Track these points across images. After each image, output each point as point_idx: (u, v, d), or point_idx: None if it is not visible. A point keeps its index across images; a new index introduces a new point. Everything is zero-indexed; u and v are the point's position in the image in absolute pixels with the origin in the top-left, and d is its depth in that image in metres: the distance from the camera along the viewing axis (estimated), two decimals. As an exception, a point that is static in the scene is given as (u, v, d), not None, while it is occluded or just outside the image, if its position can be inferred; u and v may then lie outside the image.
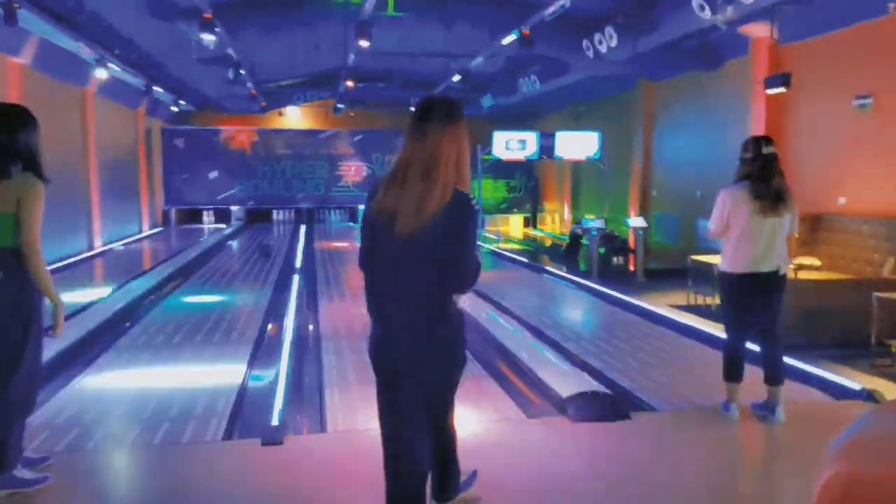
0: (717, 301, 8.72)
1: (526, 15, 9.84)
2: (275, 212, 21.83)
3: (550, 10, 8.05)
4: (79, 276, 10.78)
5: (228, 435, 4.35)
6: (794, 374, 5.15)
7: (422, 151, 2.59)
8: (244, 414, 4.71)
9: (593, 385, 4.67)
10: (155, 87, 14.95)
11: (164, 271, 10.84)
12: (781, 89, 9.11)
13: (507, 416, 4.54)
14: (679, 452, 4.04)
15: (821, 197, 9.64)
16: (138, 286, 9.40)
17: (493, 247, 15.16)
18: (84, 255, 12.98)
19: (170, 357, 6.15)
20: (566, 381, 4.77)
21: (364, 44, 9.24)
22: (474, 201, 2.60)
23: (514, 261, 12.92)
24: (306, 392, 5.16)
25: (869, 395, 4.61)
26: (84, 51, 11.22)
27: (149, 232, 18.27)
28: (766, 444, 4.12)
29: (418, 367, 2.65)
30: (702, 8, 7.77)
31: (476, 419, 4.45)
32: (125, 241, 15.71)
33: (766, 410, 4.31)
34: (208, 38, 9.18)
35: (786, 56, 10.03)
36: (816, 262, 9.21)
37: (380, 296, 2.66)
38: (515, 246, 16.21)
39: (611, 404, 4.36)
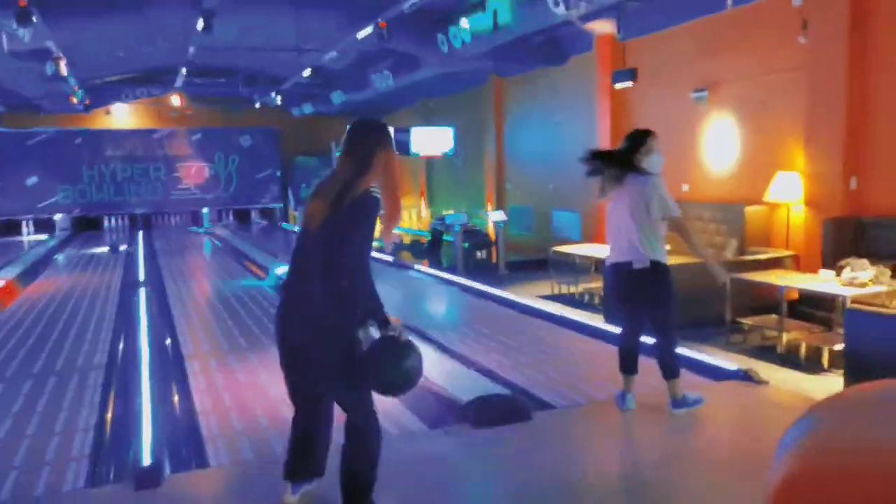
0: (580, 289, 9.06)
1: (377, 8, 9.61)
2: (106, 219, 20.07)
3: (411, 1, 7.87)
4: None
5: (92, 481, 3.78)
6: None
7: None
8: (108, 454, 4.13)
9: (490, 387, 4.55)
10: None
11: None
12: (628, 83, 9.54)
13: (407, 429, 4.31)
14: (584, 449, 4.02)
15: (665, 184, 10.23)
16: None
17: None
18: None
19: (5, 392, 5.32)
20: (462, 385, 4.62)
21: (208, 33, 8.59)
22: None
23: (377, 259, 12.66)
24: (177, 422, 4.63)
25: (745, 375, 4.85)
26: None
27: (-44, 248, 16.10)
28: (664, 432, 4.18)
29: (310, 346, 2.89)
30: (556, 4, 7.92)
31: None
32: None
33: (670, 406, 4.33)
34: (24, 28, 8.11)
35: (628, 51, 10.52)
36: (667, 246, 9.76)
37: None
38: (374, 244, 15.94)
39: (511, 406, 4.26)
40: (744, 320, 6.75)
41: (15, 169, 18.58)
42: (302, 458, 3.18)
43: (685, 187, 9.86)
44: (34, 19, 8.16)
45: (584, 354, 5.82)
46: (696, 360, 5.24)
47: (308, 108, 18.90)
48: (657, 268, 4.24)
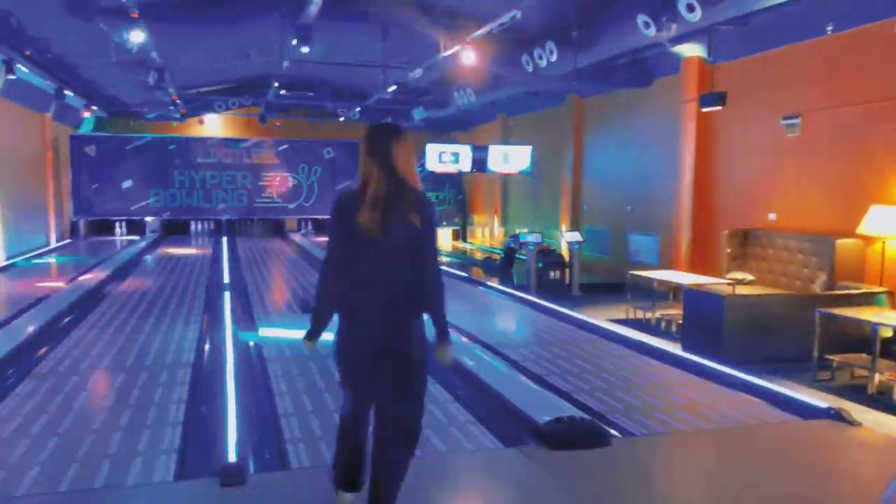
0: (657, 315, 8.87)
1: (463, 27, 9.74)
2: (193, 223, 20.94)
3: (499, 21, 7.96)
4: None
5: (179, 474, 3.95)
6: (760, 393, 5.19)
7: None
8: (194, 449, 4.30)
9: (568, 409, 4.52)
10: (65, 91, 13.99)
11: (77, 290, 10.07)
12: (717, 107, 9.34)
13: (481, 443, 4.33)
14: (666, 480, 3.94)
15: (750, 212, 9.95)
16: (54, 304, 8.69)
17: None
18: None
19: (100, 385, 5.62)
20: (538, 405, 4.60)
21: (304, 49, 8.90)
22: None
23: (454, 276, 12.73)
24: (260, 423, 4.77)
25: (837, 415, 4.65)
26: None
27: (56, 244, 17.10)
28: (750, 469, 4.05)
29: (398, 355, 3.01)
30: (647, 25, 7.86)
31: (448, 448, 4.22)
32: (32, 254, 14.64)
33: None
34: (134, 39, 8.60)
35: (716, 75, 10.32)
36: (749, 276, 9.48)
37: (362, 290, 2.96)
38: (446, 259, 16.06)
39: (591, 430, 4.22)
40: (832, 357, 6.48)
41: (112, 172, 19.61)
42: (361, 468, 3.22)
43: (772, 216, 9.57)
44: (143, 31, 8.66)
45: (662, 382, 5.70)
46: (783, 395, 5.07)
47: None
48: None
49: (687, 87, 10.92)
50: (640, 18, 7.91)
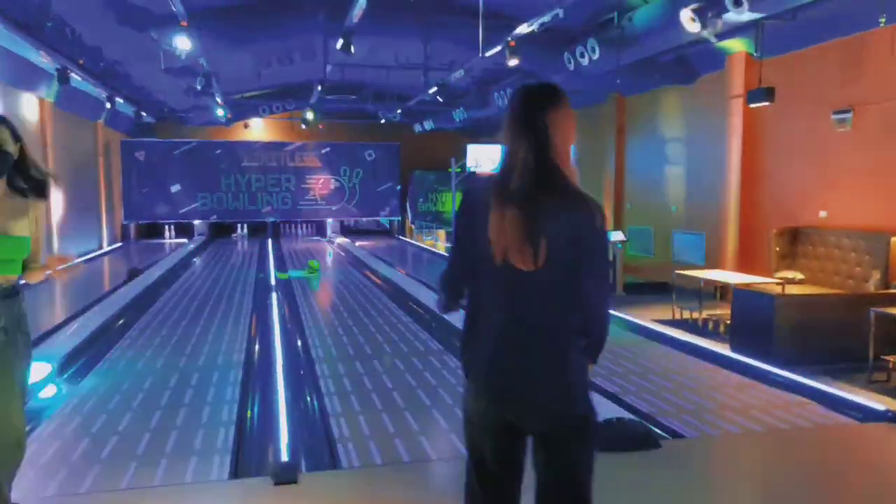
0: (704, 315, 8.74)
1: (505, 26, 9.73)
2: (239, 226, 21.35)
3: (542, 19, 7.94)
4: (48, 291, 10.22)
5: (234, 472, 4.05)
6: (814, 395, 5.09)
7: None
8: (247, 449, 4.40)
9: (617, 411, 4.49)
10: (116, 99, 14.39)
11: (131, 292, 10.36)
12: (765, 103, 9.15)
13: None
14: (717, 482, 3.89)
15: (800, 210, 9.73)
16: (109, 307, 8.95)
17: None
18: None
19: (155, 383, 5.78)
20: (586, 407, 4.58)
21: (351, 49, 9.01)
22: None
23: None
24: (309, 423, 4.86)
25: (894, 417, 4.54)
26: (44, 59, 10.71)
27: (108, 248, 17.60)
28: (804, 471, 3.97)
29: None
30: (692, 21, 7.75)
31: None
32: (85, 257, 15.10)
33: None
34: (183, 46, 8.82)
35: (763, 70, 10.11)
36: (799, 275, 9.28)
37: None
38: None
39: (640, 432, 4.19)
40: (888, 358, 6.31)
41: (161, 176, 20.11)
42: None
43: (823, 213, 9.35)
44: (191, 39, 8.87)
45: (711, 384, 5.63)
46: (837, 397, 4.96)
47: (429, 125, 19.34)
48: None
49: (733, 82, 10.73)
50: (686, 14, 7.80)
